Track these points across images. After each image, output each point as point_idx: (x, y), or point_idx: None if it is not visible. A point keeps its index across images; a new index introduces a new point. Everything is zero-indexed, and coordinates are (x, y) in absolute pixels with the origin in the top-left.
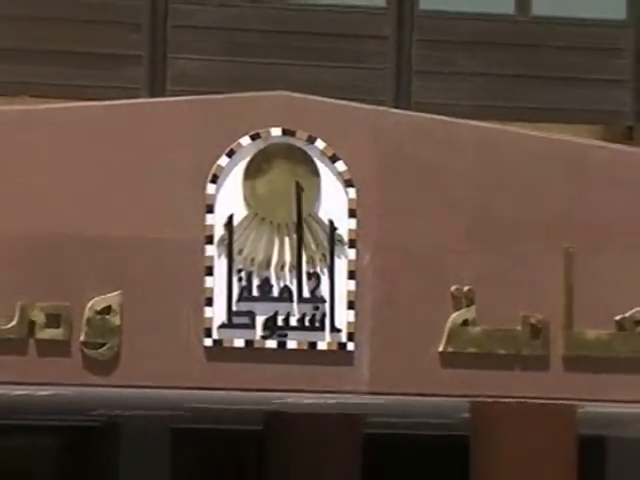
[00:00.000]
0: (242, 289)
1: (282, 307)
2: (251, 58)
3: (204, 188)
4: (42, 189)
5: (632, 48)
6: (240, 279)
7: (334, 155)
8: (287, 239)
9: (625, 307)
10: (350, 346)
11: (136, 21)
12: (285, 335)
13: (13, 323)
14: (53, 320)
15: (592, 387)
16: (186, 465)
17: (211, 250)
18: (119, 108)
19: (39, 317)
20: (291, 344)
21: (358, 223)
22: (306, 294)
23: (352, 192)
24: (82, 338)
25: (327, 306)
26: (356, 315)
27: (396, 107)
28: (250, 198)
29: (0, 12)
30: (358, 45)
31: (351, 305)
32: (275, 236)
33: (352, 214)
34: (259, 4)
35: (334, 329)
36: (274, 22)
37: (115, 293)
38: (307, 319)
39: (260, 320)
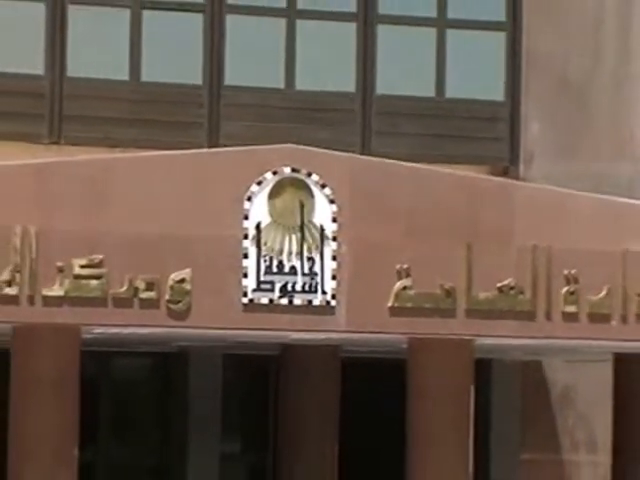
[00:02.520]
0: (266, 267)
1: (291, 279)
2: (273, 123)
3: (242, 204)
4: (143, 205)
5: (506, 118)
6: (265, 261)
7: (324, 184)
8: (294, 236)
9: (502, 278)
10: (333, 303)
11: (199, 101)
12: (293, 296)
13: (124, 288)
14: (149, 286)
15: (483, 328)
16: (232, 377)
17: (246, 243)
18: (189, 155)
19: (140, 284)
20: (297, 301)
21: (338, 226)
22: (306, 270)
23: (334, 207)
24: (167, 297)
25: (319, 278)
26: (337, 284)
27: (362, 154)
28: (271, 211)
29: (102, 94)
30: (338, 116)
31: (334, 277)
32: (286, 235)
33: (334, 221)
34: (278, 90)
35: (323, 292)
36: (287, 101)
37: (187, 270)
38: (306, 286)
39: (277, 286)
